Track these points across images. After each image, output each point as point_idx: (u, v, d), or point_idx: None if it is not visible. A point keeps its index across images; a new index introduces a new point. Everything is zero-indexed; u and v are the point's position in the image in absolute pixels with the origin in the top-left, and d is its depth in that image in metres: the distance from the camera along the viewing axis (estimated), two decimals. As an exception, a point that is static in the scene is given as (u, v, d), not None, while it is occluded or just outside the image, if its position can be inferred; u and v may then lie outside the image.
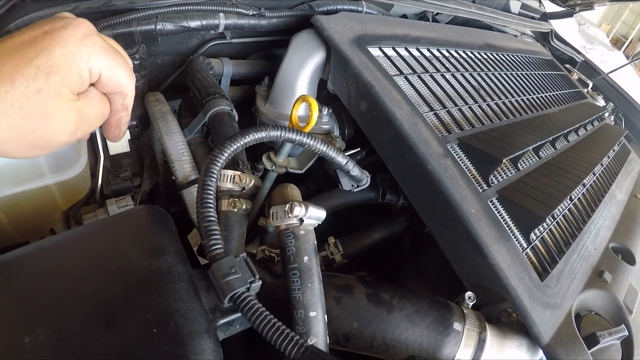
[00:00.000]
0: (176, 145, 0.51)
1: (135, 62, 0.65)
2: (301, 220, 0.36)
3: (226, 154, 0.34)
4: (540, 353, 0.42)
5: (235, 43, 0.72)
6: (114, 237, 0.36)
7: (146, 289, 0.31)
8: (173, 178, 0.51)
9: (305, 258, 0.35)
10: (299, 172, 0.53)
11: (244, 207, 0.44)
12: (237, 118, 0.53)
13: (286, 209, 0.35)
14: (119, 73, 0.32)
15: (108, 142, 0.60)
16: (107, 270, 0.32)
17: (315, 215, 0.36)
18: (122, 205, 0.58)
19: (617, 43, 6.33)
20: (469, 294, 0.43)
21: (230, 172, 0.43)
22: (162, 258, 0.33)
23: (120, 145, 0.62)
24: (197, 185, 0.49)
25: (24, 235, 0.60)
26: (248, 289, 0.30)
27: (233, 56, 0.72)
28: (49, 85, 0.27)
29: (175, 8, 0.60)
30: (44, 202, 0.57)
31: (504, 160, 0.51)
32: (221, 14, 0.63)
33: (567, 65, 1.32)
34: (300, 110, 0.50)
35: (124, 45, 0.61)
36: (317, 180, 0.71)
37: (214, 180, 0.33)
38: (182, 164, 0.50)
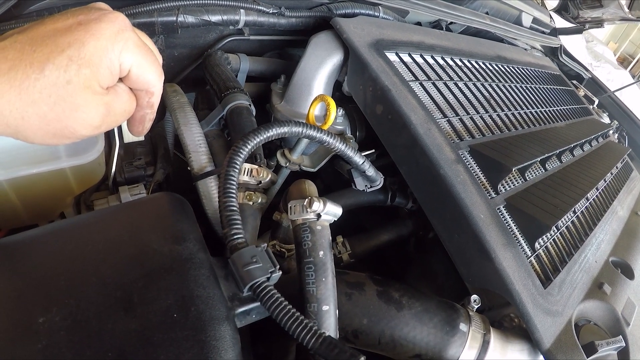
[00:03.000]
0: (193, 137, 0.52)
1: (154, 53, 0.66)
2: (318, 216, 0.37)
3: (249, 147, 0.35)
4: (541, 358, 0.44)
5: (253, 40, 0.73)
6: (134, 222, 0.36)
7: (167, 274, 0.31)
8: (188, 169, 0.52)
9: (321, 253, 0.36)
10: (312, 170, 0.54)
11: (259, 200, 0.45)
12: (254, 113, 0.54)
13: (305, 203, 0.36)
14: (148, 71, 0.32)
15: (123, 129, 0.60)
16: (127, 254, 0.32)
17: (332, 211, 0.37)
18: (134, 193, 0.58)
19: (623, 62, 6.39)
20: (474, 297, 0.44)
21: (247, 166, 0.44)
22: (183, 244, 0.33)
23: (136, 133, 0.62)
24: (211, 177, 0.50)
25: (34, 217, 0.60)
26: (268, 278, 0.31)
27: (249, 53, 0.73)
28: (80, 78, 0.27)
29: (198, 1, 0.61)
30: (58, 186, 0.57)
31: (513, 170, 0.52)
32: (242, 10, 0.64)
33: (574, 82, 1.34)
34: (316, 109, 0.51)
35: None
36: (327, 180, 0.72)
37: (237, 171, 0.34)
38: (199, 155, 0.50)
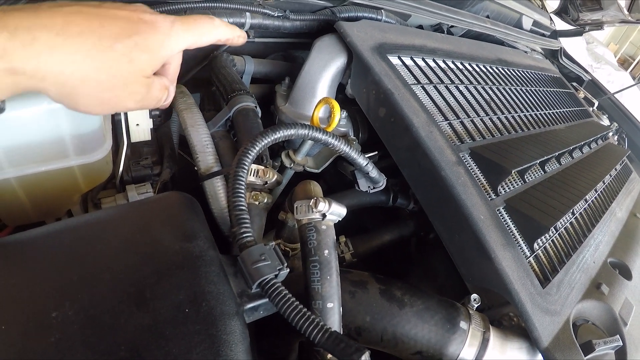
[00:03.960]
0: (200, 137, 0.53)
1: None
2: (324, 216, 0.38)
3: (257, 148, 0.37)
4: (539, 356, 0.45)
5: (257, 42, 0.74)
6: (146, 220, 0.37)
7: (179, 271, 0.32)
8: (195, 169, 0.53)
9: (326, 252, 0.37)
10: (316, 171, 0.55)
11: (265, 200, 0.46)
12: (260, 114, 0.55)
13: (311, 203, 0.38)
14: (205, 38, 0.37)
15: (131, 129, 0.61)
16: (138, 251, 0.33)
17: (337, 211, 0.38)
18: (141, 192, 0.59)
19: (624, 63, 6.39)
20: (474, 296, 0.45)
21: (254, 166, 0.45)
22: (194, 242, 0.34)
23: (142, 133, 0.63)
24: (218, 177, 0.51)
25: (41, 215, 0.61)
26: (276, 276, 0.32)
27: (254, 55, 0.74)
28: (139, 60, 0.32)
29: (204, 4, 0.62)
30: (66, 183, 0.58)
31: (512, 172, 0.54)
32: (248, 14, 0.65)
33: (574, 84, 1.35)
34: (320, 112, 0.52)
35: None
36: (329, 181, 0.73)
37: (246, 171, 0.36)
38: (206, 156, 0.52)
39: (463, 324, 0.41)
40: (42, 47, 0.28)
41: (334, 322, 0.36)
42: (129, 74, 0.32)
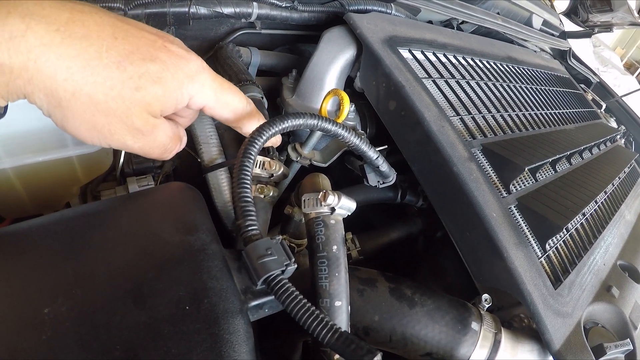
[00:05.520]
0: (204, 128, 0.51)
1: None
2: (332, 210, 0.36)
3: (264, 138, 0.35)
4: (550, 358, 0.43)
5: (264, 34, 0.72)
6: (145, 211, 0.35)
7: (179, 265, 0.30)
8: (198, 160, 0.52)
9: (334, 247, 0.36)
10: (323, 165, 0.53)
11: (271, 194, 0.45)
12: (266, 105, 0.54)
13: (319, 197, 0.36)
14: (222, 111, 0.34)
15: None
16: (137, 244, 0.31)
17: (346, 205, 0.37)
18: (143, 185, 0.58)
19: (630, 68, 6.37)
20: (485, 296, 0.44)
21: (260, 158, 0.44)
22: (195, 235, 0.33)
23: (144, 124, 0.62)
24: (222, 169, 0.49)
25: (39, 207, 0.59)
26: (283, 272, 0.30)
27: (260, 47, 0.73)
28: (149, 91, 0.27)
29: (210, -7, 0.60)
30: (64, 175, 0.56)
31: (525, 169, 0.52)
32: (255, 3, 0.63)
33: (582, 86, 1.34)
34: (328, 104, 0.51)
35: (155, 25, 0.62)
36: (335, 177, 0.71)
37: (252, 162, 0.34)
38: (210, 147, 0.50)
39: (474, 325, 0.39)
40: (35, 41, 0.23)
41: (342, 322, 0.35)
42: (132, 104, 0.27)
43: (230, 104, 0.34)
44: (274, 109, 0.67)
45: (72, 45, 0.24)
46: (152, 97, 0.27)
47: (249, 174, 0.34)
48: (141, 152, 0.31)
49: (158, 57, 0.27)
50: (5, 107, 0.29)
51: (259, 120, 0.37)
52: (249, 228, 0.32)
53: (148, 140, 0.30)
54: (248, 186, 0.34)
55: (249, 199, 0.33)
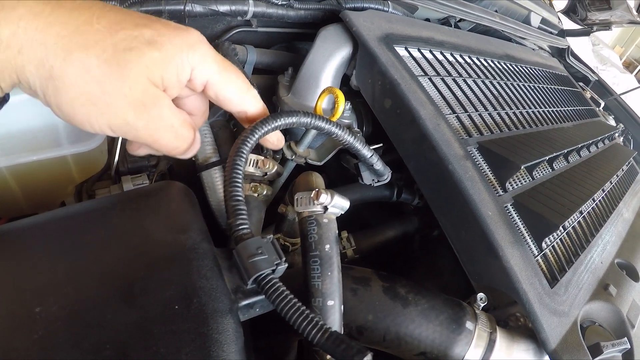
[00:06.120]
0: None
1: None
2: (325, 208, 0.36)
3: (257, 135, 0.34)
4: (546, 358, 0.43)
5: (260, 32, 0.72)
6: (137, 210, 0.35)
7: (169, 265, 0.30)
8: (193, 159, 0.51)
9: (327, 246, 0.35)
10: (318, 164, 0.53)
11: (264, 192, 0.45)
12: (261, 104, 0.53)
13: (312, 195, 0.36)
14: (227, 89, 0.31)
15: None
16: (128, 243, 0.31)
17: (339, 204, 0.36)
18: (137, 183, 0.58)
19: (629, 66, 6.35)
20: (480, 295, 0.44)
21: (253, 156, 0.43)
22: (187, 234, 0.33)
23: (139, 122, 0.61)
24: (216, 167, 0.49)
25: (34, 206, 0.59)
26: (273, 271, 0.30)
27: (256, 45, 0.72)
28: (144, 52, 0.25)
29: (205, -11, 0.60)
30: (59, 174, 0.56)
31: (522, 167, 0.52)
32: (251, 1, 0.63)
33: (581, 84, 1.33)
34: (324, 102, 0.50)
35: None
36: (331, 175, 0.71)
37: (244, 160, 0.33)
38: (204, 145, 0.50)
39: (469, 324, 0.39)
40: (24, 10, 0.23)
41: (335, 321, 0.34)
42: (127, 67, 0.24)
43: (235, 80, 0.32)
44: (270, 107, 0.66)
45: (62, 14, 0.24)
46: (149, 60, 0.25)
47: (240, 172, 0.34)
48: (148, 137, 0.28)
49: (152, 25, 0.26)
50: (7, 95, 0.27)
51: (262, 104, 0.35)
52: (240, 227, 0.32)
53: (152, 115, 0.27)
54: (240, 184, 0.33)
55: (241, 198, 0.33)
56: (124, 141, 0.64)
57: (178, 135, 0.29)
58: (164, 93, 0.27)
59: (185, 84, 0.29)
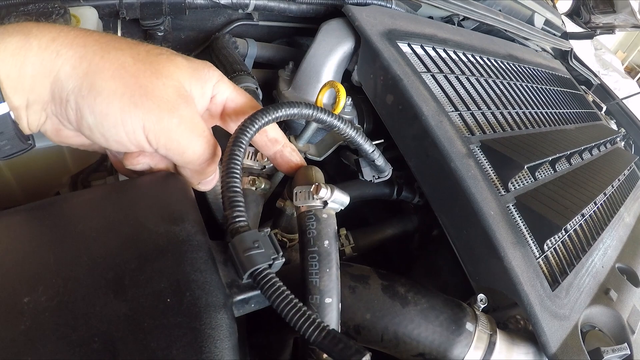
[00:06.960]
0: (197, 119, 0.50)
1: (159, 34, 0.64)
2: (325, 203, 0.35)
3: (257, 126, 0.33)
4: (546, 362, 0.42)
5: (261, 26, 0.71)
6: (130, 200, 0.34)
7: (162, 256, 0.29)
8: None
9: (326, 242, 0.34)
10: (318, 159, 0.52)
11: (262, 186, 0.44)
12: (261, 97, 0.52)
13: (311, 189, 0.35)
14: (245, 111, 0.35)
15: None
16: (120, 234, 0.30)
17: (339, 199, 0.36)
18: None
19: (631, 72, 6.34)
20: (481, 296, 0.43)
21: (252, 149, 0.42)
22: (181, 225, 0.31)
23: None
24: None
25: (29, 196, 0.58)
26: (270, 265, 0.29)
27: (257, 39, 0.71)
28: (171, 58, 0.28)
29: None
30: (54, 164, 0.55)
31: (524, 167, 0.51)
32: (252, -6, 0.62)
33: (583, 87, 1.33)
34: (325, 96, 0.49)
35: (151, 15, 0.60)
36: (330, 172, 0.70)
37: (243, 151, 0.32)
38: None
39: (469, 326, 0.38)
40: (64, 25, 0.26)
41: (332, 319, 0.33)
42: (160, 64, 0.27)
43: (249, 97, 0.35)
44: (270, 101, 0.66)
45: (97, 32, 0.27)
46: (180, 64, 0.28)
47: (239, 163, 0.33)
48: (181, 139, 0.29)
49: (167, 57, 0.29)
50: (33, 141, 0.30)
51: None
52: (237, 219, 0.30)
53: (185, 115, 0.28)
54: (237, 176, 0.32)
55: (238, 189, 0.32)
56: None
57: (210, 143, 0.31)
58: (188, 95, 0.29)
59: (208, 102, 0.31)
